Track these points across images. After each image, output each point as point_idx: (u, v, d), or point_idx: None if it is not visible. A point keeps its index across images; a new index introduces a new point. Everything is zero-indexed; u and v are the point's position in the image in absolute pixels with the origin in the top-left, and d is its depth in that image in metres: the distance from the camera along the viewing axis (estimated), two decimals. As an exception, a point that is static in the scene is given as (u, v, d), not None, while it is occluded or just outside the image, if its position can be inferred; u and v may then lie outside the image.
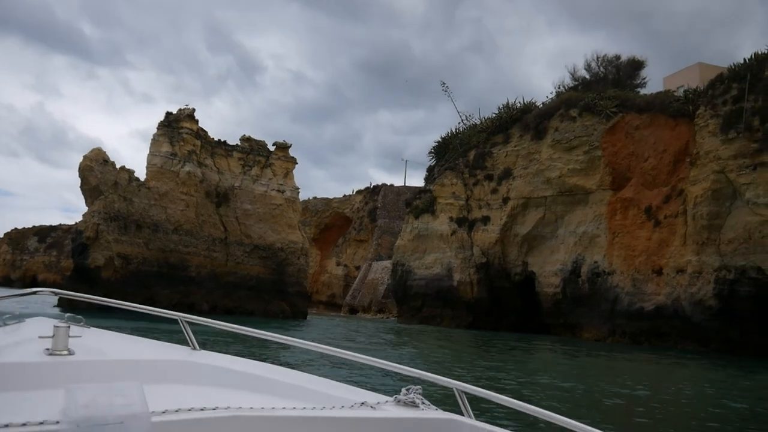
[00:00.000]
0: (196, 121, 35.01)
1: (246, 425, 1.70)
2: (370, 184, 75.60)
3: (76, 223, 29.66)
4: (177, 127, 33.97)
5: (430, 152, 54.76)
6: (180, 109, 34.76)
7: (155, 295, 31.47)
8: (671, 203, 37.17)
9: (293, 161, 37.37)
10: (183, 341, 2.48)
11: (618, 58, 47.15)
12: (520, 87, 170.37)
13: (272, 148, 37.24)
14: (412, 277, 48.90)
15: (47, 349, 1.96)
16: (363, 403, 2.00)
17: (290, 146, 37.60)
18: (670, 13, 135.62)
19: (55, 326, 2.02)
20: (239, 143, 36.85)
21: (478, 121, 52.65)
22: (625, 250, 38.46)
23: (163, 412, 1.58)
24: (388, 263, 64.22)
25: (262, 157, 36.56)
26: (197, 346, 2.41)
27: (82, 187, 31.21)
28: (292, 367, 2.80)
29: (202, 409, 1.66)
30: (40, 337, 2.07)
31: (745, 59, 34.70)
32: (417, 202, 50.68)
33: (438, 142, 54.47)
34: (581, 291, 41.14)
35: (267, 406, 1.80)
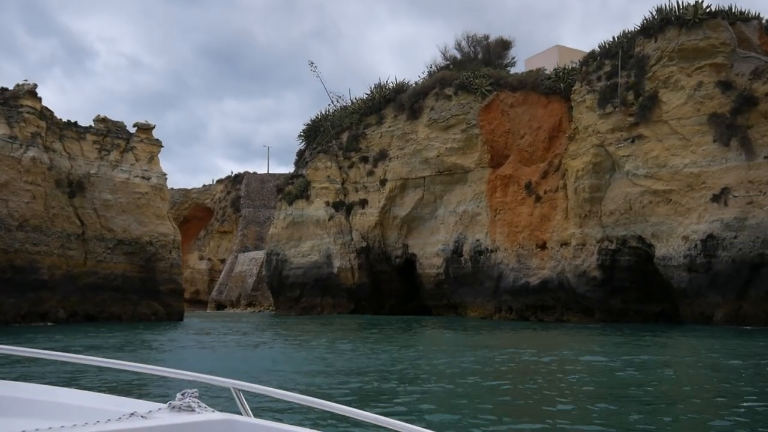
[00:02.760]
0: (39, 99, 29.98)
1: None
2: (231, 173, 71.63)
3: None
4: (15, 105, 28.82)
5: (300, 135, 52.32)
6: (18, 85, 29.55)
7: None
8: (549, 178, 37.72)
9: (158, 144, 33.34)
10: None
11: (487, 38, 47.41)
12: (366, 74, 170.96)
13: (133, 130, 32.96)
14: (288, 267, 46.32)
15: None
16: (132, 414, 1.84)
17: (154, 127, 33.53)
18: (500, 5, 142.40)
19: None
20: (93, 125, 32.16)
21: (349, 102, 50.87)
22: (507, 227, 38.58)
23: None
24: (255, 254, 61.16)
25: (122, 140, 32.21)
26: None
27: None
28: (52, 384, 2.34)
29: None
30: None
31: (614, 37, 35.75)
32: (289, 188, 48.06)
33: (308, 124, 52.14)
34: (464, 270, 40.89)
35: (15, 430, 1.55)
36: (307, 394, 2.08)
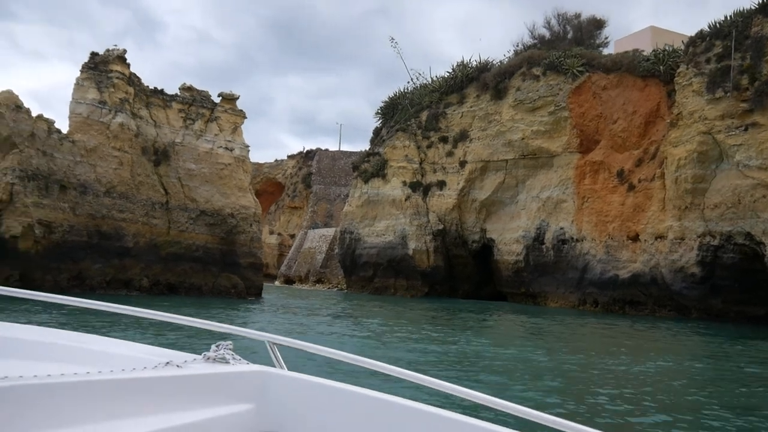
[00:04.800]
0: (128, 65, 29.75)
1: (30, 394, 1.54)
2: (303, 149, 71.15)
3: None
4: (105, 70, 28.62)
5: (377, 113, 51.26)
6: (108, 50, 29.34)
7: (85, 271, 26.54)
8: (644, 166, 35.52)
9: (242, 115, 32.76)
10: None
11: (578, 16, 45.02)
12: (429, 52, 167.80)
13: (217, 100, 32.46)
14: (361, 246, 45.55)
15: None
16: (168, 363, 1.91)
17: (238, 98, 32.94)
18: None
19: None
20: (179, 93, 31.79)
21: (429, 80, 49.43)
22: (596, 216, 36.62)
23: None
24: (325, 231, 60.77)
25: (206, 109, 31.75)
26: None
27: (-10, 139, 25.58)
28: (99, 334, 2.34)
29: None
30: None
31: (726, 16, 33.03)
32: (365, 166, 47.11)
33: (385, 102, 51.02)
34: (545, 259, 39.21)
35: (56, 372, 1.63)
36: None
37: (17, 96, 25.62)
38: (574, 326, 23.71)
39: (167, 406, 1.79)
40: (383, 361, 2.04)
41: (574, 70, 38.73)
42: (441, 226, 43.82)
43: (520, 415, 1.76)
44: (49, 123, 26.74)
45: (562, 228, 38.58)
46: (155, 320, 2.28)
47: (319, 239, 60.33)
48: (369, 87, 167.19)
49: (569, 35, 45.27)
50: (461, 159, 43.77)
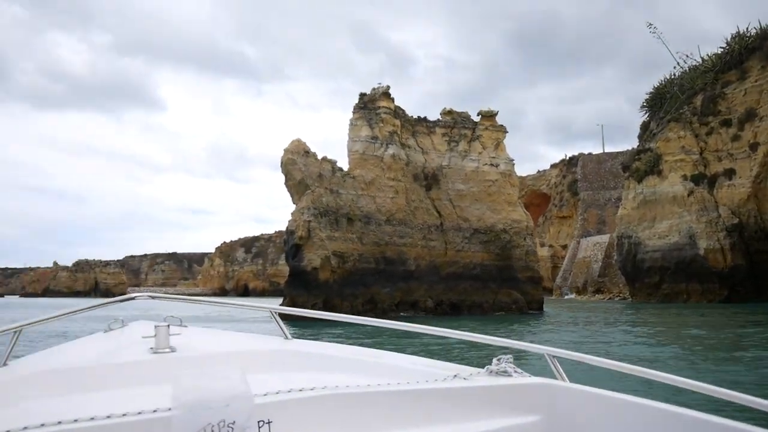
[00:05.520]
0: (392, 99, 31.64)
1: (344, 402, 1.77)
2: (565, 156, 69.13)
3: (278, 231, 27.33)
4: (373, 107, 30.81)
5: (642, 106, 47.77)
6: (374, 88, 31.59)
7: (375, 295, 28.48)
8: None
9: (503, 130, 32.79)
10: (298, 335, 2.67)
11: None
12: (691, 33, 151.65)
13: (477, 119, 32.92)
14: (642, 250, 42.33)
15: (151, 348, 2.10)
16: (455, 376, 2.05)
17: (497, 113, 33.05)
18: None
19: (156, 326, 2.16)
20: (440, 118, 32.97)
21: (699, 61, 44.71)
22: None
23: (265, 395, 1.68)
24: (598, 238, 57.97)
25: (468, 129, 32.39)
26: (289, 336, 2.44)
27: (286, 183, 28.99)
28: (385, 349, 2.50)
29: (300, 390, 1.75)
30: (143, 337, 2.22)
31: None
32: (637, 164, 43.93)
33: (650, 93, 47.35)
34: None
35: (362, 383, 1.87)
36: None
37: (305, 143, 28.71)
38: None
39: (458, 416, 1.93)
40: (705, 382, 1.87)
41: None
42: (736, 220, 38.86)
43: None
44: (332, 163, 29.46)
45: None
46: (437, 336, 2.39)
47: (593, 247, 57.71)
48: (626, 82, 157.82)
49: None
50: (751, 141, 38.54)
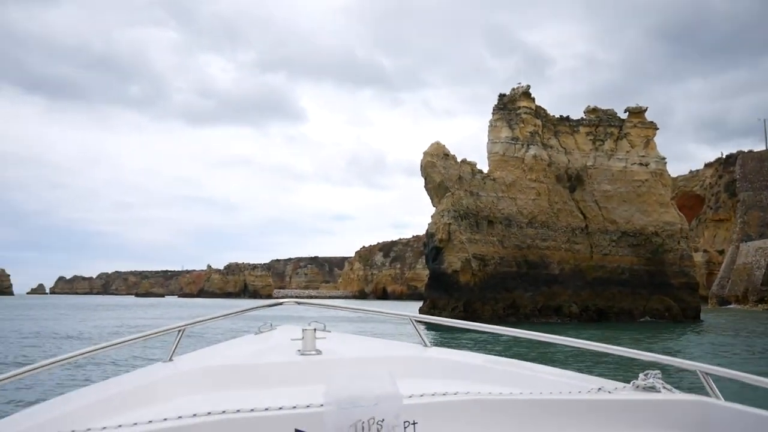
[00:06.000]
0: (533, 99, 30.83)
1: (486, 408, 1.77)
2: (722, 155, 63.94)
3: (416, 236, 27.32)
4: (513, 108, 30.22)
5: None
6: (513, 88, 30.98)
7: (517, 299, 27.85)
8: None
9: (653, 127, 30.88)
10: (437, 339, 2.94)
11: None
12: None
13: (624, 116, 31.30)
14: (816, 256, 38.20)
15: (298, 350, 2.26)
16: (600, 389, 1.97)
17: (646, 110, 31.28)
18: None
19: (303, 330, 2.32)
20: (584, 116, 31.69)
21: None
22: None
23: (410, 396, 1.70)
24: (761, 243, 53.12)
25: (614, 127, 30.89)
26: (428, 343, 2.45)
27: (426, 186, 29.11)
28: (524, 359, 2.46)
29: (444, 394, 1.78)
30: (291, 340, 2.37)
31: None
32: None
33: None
34: None
35: (505, 392, 1.86)
36: None
37: (444, 146, 28.67)
38: None
39: (600, 429, 1.84)
40: None
41: None
42: None
43: None
44: (472, 165, 29.19)
45: None
46: (578, 348, 2.31)
47: (755, 253, 52.96)
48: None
49: None
50: None
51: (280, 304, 2.40)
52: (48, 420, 1.62)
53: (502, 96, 31.16)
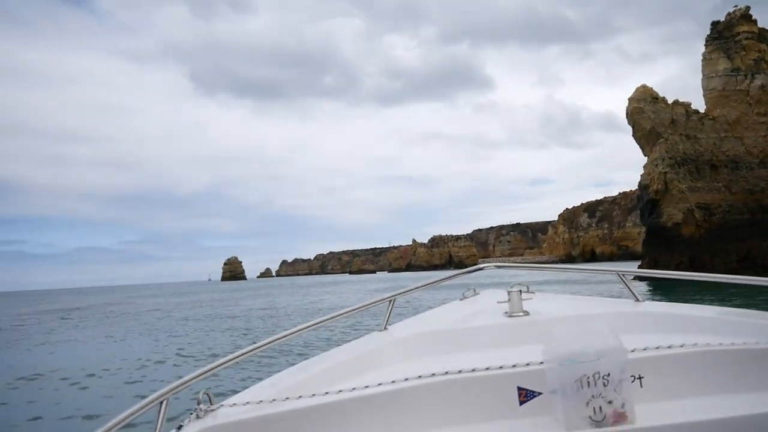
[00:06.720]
0: (755, 21, 27.01)
1: (718, 360, 1.68)
2: None
3: (622, 192, 25.32)
4: (731, 35, 26.73)
5: None
6: (729, 13, 27.33)
7: (753, 250, 24.73)
8: None
9: None
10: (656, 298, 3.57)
11: None
12: None
13: None
14: None
15: (505, 313, 2.29)
16: None
17: None
18: None
19: (509, 292, 2.33)
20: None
21: None
22: None
23: (632, 351, 1.64)
24: None
25: None
26: (640, 298, 2.37)
27: (634, 134, 26.90)
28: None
29: (669, 347, 1.70)
30: (498, 302, 2.42)
31: None
32: None
33: None
34: None
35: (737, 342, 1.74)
36: None
37: (651, 88, 26.19)
38: None
39: None
40: None
41: None
42: None
43: None
44: (686, 106, 26.39)
45: None
46: None
47: None
48: None
49: None
50: None
51: (481, 269, 2.45)
52: (288, 386, 1.74)
53: (715, 24, 27.76)
